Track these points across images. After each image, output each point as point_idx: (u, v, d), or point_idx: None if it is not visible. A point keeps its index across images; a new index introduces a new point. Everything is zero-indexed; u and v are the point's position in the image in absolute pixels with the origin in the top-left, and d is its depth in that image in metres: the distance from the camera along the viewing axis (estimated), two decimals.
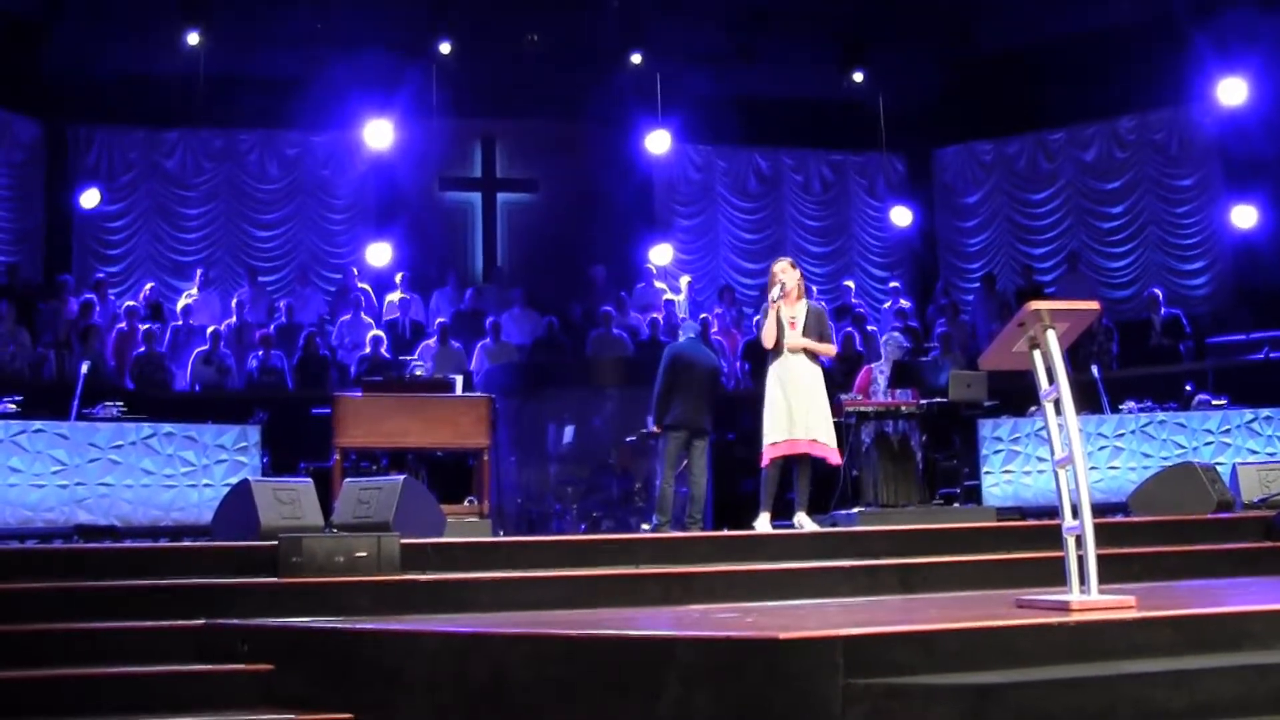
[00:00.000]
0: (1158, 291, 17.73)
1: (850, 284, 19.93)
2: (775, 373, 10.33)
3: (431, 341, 16.50)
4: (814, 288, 19.87)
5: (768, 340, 10.35)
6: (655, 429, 11.50)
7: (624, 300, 18.54)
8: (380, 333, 16.68)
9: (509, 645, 5.61)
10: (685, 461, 11.37)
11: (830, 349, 10.62)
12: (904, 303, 19.06)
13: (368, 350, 16.23)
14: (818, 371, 10.39)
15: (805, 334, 10.34)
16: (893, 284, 20.06)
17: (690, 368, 11.27)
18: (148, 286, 18.03)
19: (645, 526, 11.53)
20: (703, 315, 17.66)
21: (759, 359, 11.70)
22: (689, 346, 11.48)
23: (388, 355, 16.03)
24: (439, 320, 17.09)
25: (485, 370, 15.95)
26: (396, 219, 19.16)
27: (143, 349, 15.85)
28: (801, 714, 4.76)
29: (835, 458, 10.40)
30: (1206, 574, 8.33)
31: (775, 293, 10.38)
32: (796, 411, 10.18)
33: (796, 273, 10.59)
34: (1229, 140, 18.33)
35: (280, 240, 19.45)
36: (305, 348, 16.40)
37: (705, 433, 11.27)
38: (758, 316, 10.81)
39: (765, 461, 10.33)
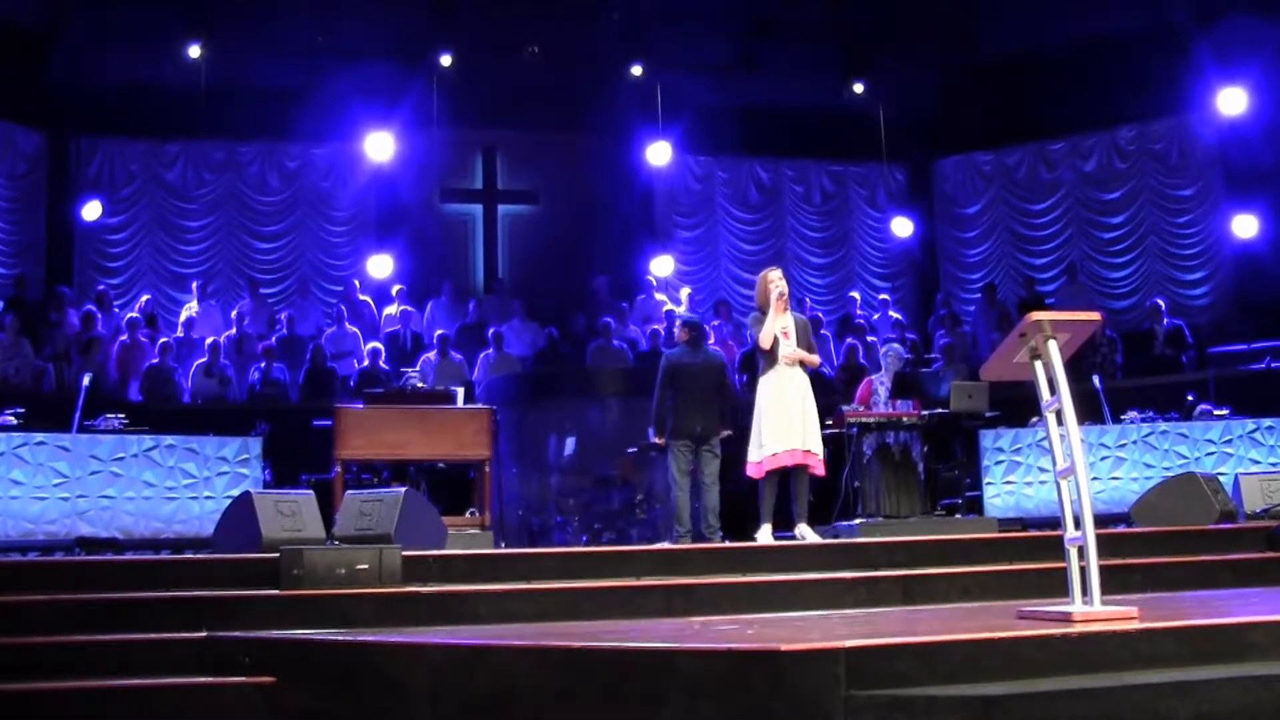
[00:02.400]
0: (1160, 302, 17.75)
1: (856, 295, 19.95)
2: (771, 383, 10.38)
3: (432, 354, 16.51)
4: (807, 298, 19.90)
5: (766, 341, 10.39)
6: (658, 441, 11.37)
7: (625, 311, 18.54)
8: (379, 344, 16.67)
9: (512, 657, 5.60)
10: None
11: (818, 360, 10.72)
12: (894, 314, 19.05)
13: (366, 362, 16.24)
14: (808, 381, 10.50)
15: (797, 345, 10.41)
16: (881, 296, 20.06)
17: (689, 374, 11.12)
18: (144, 298, 18.04)
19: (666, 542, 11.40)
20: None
21: (756, 371, 11.67)
22: (685, 353, 11.31)
23: (386, 367, 16.04)
24: (438, 332, 17.08)
25: (486, 381, 15.94)
26: (397, 231, 19.18)
27: (155, 360, 15.87)
28: None
29: (821, 468, 10.48)
30: (1209, 585, 8.33)
31: (779, 290, 10.46)
32: (793, 423, 10.23)
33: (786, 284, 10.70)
34: (1229, 150, 18.35)
35: (281, 252, 19.46)
36: (313, 359, 16.40)
37: (713, 437, 11.09)
38: (751, 319, 10.77)
39: (761, 473, 10.34)
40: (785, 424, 10.25)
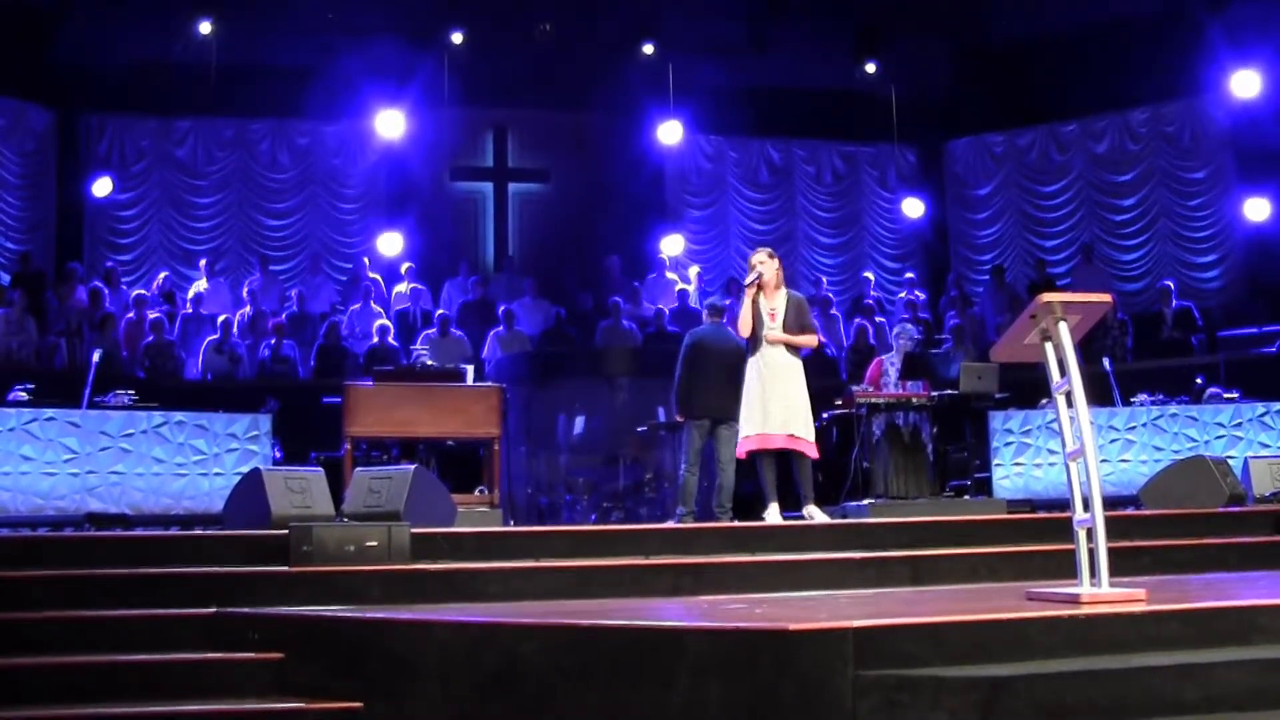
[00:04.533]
0: (1170, 284, 17.72)
1: (870, 276, 19.94)
2: (753, 365, 10.31)
3: (433, 331, 16.51)
4: (823, 278, 19.89)
5: (744, 330, 10.31)
6: (678, 418, 11.35)
7: (637, 290, 18.53)
8: (387, 322, 16.68)
9: (520, 635, 5.61)
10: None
11: (810, 340, 10.52)
12: (919, 293, 19.01)
13: (375, 339, 16.25)
14: (797, 364, 10.34)
15: (785, 326, 10.30)
16: (908, 275, 20.02)
17: (711, 353, 11.00)
18: (161, 276, 18.08)
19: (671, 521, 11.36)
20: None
21: None
22: (710, 331, 11.24)
23: (395, 344, 16.05)
24: (439, 311, 17.10)
25: (496, 359, 15.95)
26: (408, 208, 19.18)
27: (151, 338, 15.87)
28: (812, 705, 4.77)
29: (812, 451, 10.31)
30: (1217, 567, 8.33)
31: (750, 277, 10.40)
32: (771, 406, 10.15)
33: (775, 263, 10.56)
34: (1242, 132, 18.26)
35: (291, 229, 19.47)
36: (327, 336, 16.41)
37: (731, 419, 10.85)
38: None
39: (741, 454, 10.35)
40: (761, 408, 10.17)
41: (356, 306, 17.60)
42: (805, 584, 7.61)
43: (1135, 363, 16.21)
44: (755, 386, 10.24)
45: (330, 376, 15.38)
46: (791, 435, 10.15)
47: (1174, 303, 17.29)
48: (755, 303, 10.34)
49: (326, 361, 16.19)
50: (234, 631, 6.42)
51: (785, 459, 10.38)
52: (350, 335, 17.01)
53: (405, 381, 11.66)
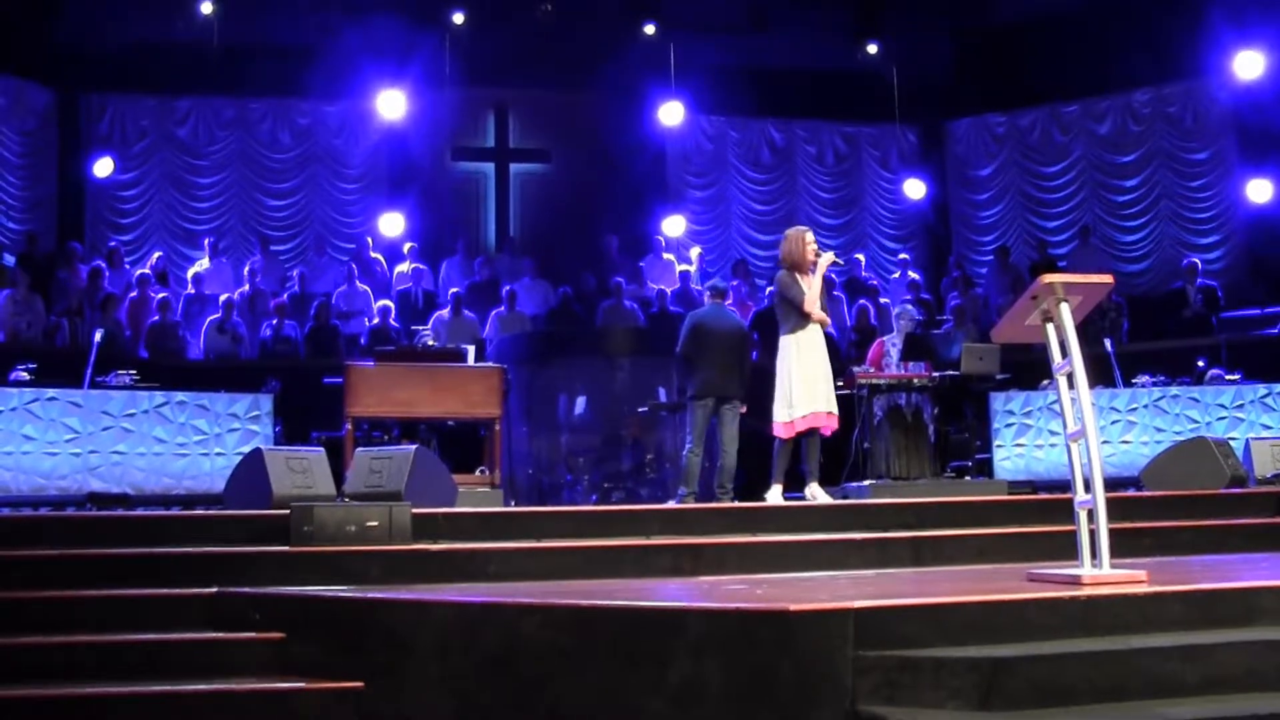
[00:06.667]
0: (1197, 261, 17.62)
1: (860, 257, 19.89)
2: (800, 343, 10.29)
3: (445, 311, 16.50)
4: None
5: (813, 305, 10.32)
6: (680, 399, 11.35)
7: (637, 271, 18.50)
8: (389, 302, 16.67)
9: (520, 615, 5.62)
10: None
11: (828, 320, 10.72)
12: (913, 274, 18.98)
13: (376, 320, 16.24)
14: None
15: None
16: (902, 256, 19.99)
17: (713, 333, 11.02)
18: (155, 255, 18.06)
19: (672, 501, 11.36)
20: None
21: (769, 330, 11.64)
22: (711, 312, 11.25)
23: (397, 324, 16.04)
24: (453, 290, 17.06)
25: (497, 340, 15.93)
26: (409, 189, 19.14)
27: (157, 318, 15.88)
28: (812, 686, 4.77)
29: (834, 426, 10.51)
30: (1218, 549, 8.33)
31: (830, 255, 10.57)
32: (820, 382, 10.23)
33: None
34: (1245, 113, 18.21)
35: (292, 209, 19.45)
36: (317, 317, 16.40)
37: (734, 399, 10.96)
38: (781, 278, 10.62)
39: (792, 433, 10.29)
40: (813, 384, 10.23)
41: (343, 288, 17.56)
42: (806, 565, 7.62)
43: (1137, 344, 16.16)
44: (804, 365, 10.26)
45: (322, 356, 15.42)
46: (831, 413, 10.33)
47: (1199, 281, 17.20)
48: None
49: (318, 341, 16.19)
50: (235, 611, 6.43)
51: (796, 439, 10.40)
52: (348, 315, 16.98)
53: (406, 362, 11.65)
